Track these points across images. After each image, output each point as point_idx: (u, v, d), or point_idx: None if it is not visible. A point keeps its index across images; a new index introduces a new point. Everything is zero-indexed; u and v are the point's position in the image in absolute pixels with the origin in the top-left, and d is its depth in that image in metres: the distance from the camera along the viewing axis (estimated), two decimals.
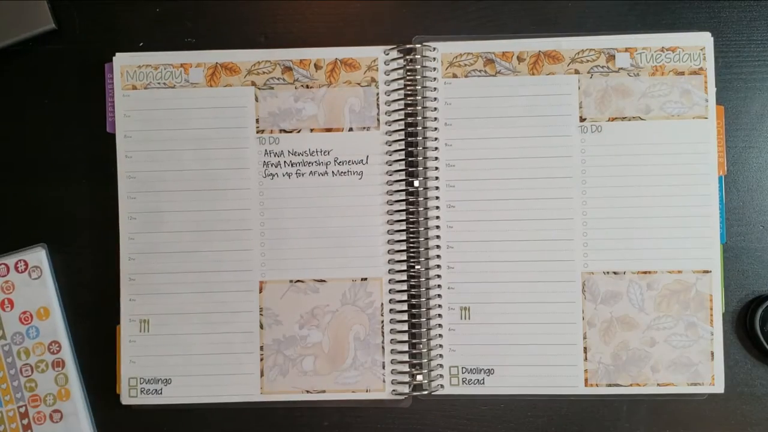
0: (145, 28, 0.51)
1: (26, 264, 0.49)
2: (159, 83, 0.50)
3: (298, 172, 0.50)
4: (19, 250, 0.50)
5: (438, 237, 0.49)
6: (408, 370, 0.49)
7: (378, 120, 0.50)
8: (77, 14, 0.51)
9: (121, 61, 0.50)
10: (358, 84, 0.50)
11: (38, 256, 0.49)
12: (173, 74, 0.50)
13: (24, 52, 0.51)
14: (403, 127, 0.50)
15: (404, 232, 0.49)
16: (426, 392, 0.49)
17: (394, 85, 0.50)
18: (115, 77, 0.50)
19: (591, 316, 0.49)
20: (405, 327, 0.49)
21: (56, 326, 0.49)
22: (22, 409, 0.49)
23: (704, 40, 0.49)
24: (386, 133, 0.50)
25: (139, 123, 0.50)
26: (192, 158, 0.50)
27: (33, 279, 0.49)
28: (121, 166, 0.50)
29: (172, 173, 0.50)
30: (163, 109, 0.50)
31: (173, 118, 0.50)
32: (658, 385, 0.48)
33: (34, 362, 0.49)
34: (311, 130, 0.50)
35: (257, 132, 0.50)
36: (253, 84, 0.50)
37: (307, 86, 0.50)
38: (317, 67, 0.50)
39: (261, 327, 0.50)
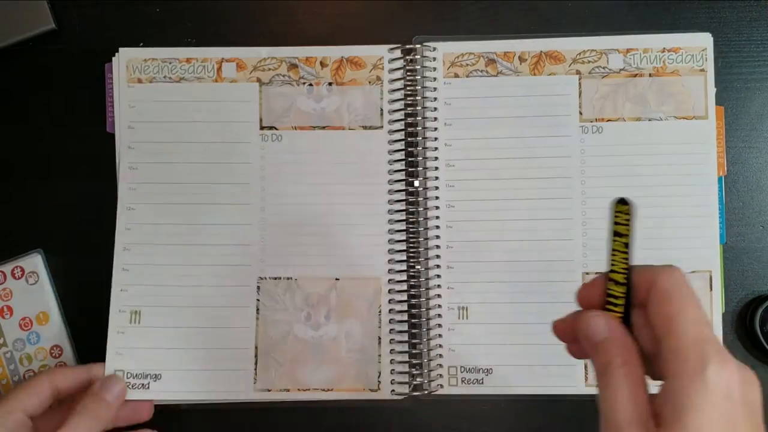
0: (145, 28, 0.51)
1: (23, 270, 0.49)
2: (165, 77, 0.50)
3: (300, 169, 0.50)
4: (16, 257, 0.50)
5: (438, 237, 0.49)
6: (407, 370, 0.49)
7: (381, 118, 0.50)
8: (77, 14, 0.51)
9: (127, 54, 0.50)
10: (364, 82, 0.50)
11: (34, 262, 0.49)
12: (179, 69, 0.50)
13: (24, 52, 0.51)
14: (403, 127, 0.50)
15: (404, 232, 0.49)
16: (425, 392, 0.49)
17: (395, 85, 0.50)
18: (120, 71, 0.50)
19: None
20: (404, 327, 0.49)
21: (57, 330, 0.49)
22: None
23: (705, 40, 0.49)
24: (388, 132, 0.50)
25: (142, 116, 0.50)
26: (194, 152, 0.50)
27: (30, 285, 0.49)
28: (122, 159, 0.50)
29: (173, 166, 0.50)
30: (167, 101, 0.50)
31: (177, 113, 0.50)
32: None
33: (36, 367, 0.49)
34: (314, 128, 0.50)
35: (260, 128, 0.50)
36: (259, 80, 0.50)
37: (312, 84, 0.50)
38: (323, 64, 0.50)
39: (258, 324, 0.49)
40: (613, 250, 0.31)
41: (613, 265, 0.31)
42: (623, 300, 0.32)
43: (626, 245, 0.31)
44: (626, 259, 0.31)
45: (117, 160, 0.50)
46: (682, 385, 0.30)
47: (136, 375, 0.49)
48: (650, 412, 0.31)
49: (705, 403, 0.30)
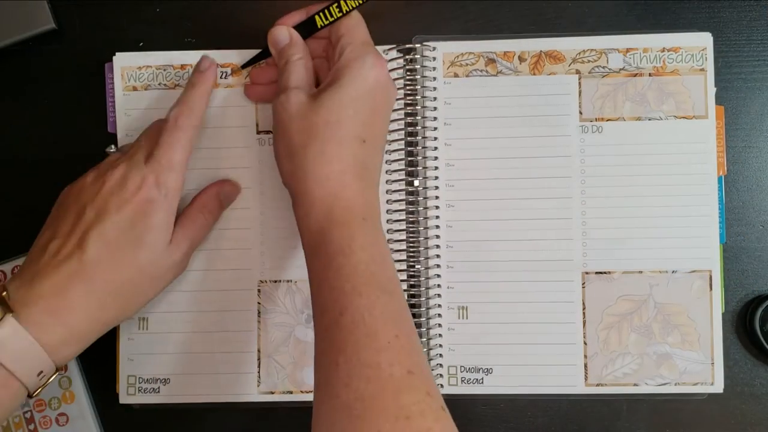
0: (145, 28, 0.51)
1: None
2: (160, 84, 0.50)
3: None
4: (16, 257, 0.50)
5: (437, 236, 0.49)
6: None
7: None
8: (77, 14, 0.51)
9: (121, 62, 0.50)
10: None
11: None
12: (174, 75, 0.50)
13: (24, 52, 0.51)
14: (402, 127, 0.50)
15: (404, 232, 0.49)
16: None
17: None
18: (116, 78, 0.50)
19: (590, 315, 0.49)
20: None
21: None
22: (28, 415, 0.49)
23: (705, 40, 0.49)
24: None
25: (139, 123, 0.50)
26: (193, 158, 0.50)
27: None
28: None
29: None
30: (163, 108, 0.50)
31: None
32: (658, 385, 0.48)
33: None
34: None
35: (258, 132, 0.50)
36: None
37: None
38: None
39: (259, 326, 0.49)
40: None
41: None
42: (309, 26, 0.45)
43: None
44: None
45: None
46: (348, 60, 0.42)
47: (147, 380, 0.49)
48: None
49: (359, 76, 0.41)
